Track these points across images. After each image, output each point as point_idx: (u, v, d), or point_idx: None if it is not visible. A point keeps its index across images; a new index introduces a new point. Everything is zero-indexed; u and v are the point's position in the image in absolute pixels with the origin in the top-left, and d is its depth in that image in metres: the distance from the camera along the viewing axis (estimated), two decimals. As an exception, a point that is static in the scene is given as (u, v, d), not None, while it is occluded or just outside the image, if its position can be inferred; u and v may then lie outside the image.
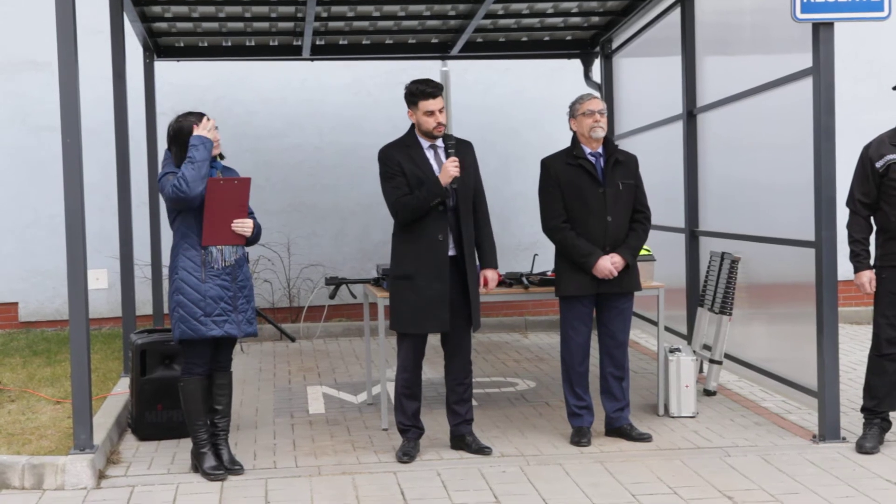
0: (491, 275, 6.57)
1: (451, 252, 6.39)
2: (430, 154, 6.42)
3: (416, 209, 6.27)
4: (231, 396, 6.38)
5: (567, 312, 6.80)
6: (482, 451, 6.54)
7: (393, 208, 6.35)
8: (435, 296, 6.30)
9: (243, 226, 6.11)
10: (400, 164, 6.34)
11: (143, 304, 10.69)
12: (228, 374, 6.34)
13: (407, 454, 6.44)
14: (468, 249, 6.42)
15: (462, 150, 6.45)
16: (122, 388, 7.98)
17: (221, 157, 6.24)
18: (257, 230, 6.24)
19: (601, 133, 6.69)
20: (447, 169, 6.27)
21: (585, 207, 6.67)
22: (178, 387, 6.24)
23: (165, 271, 10.60)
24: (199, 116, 6.13)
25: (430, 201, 6.26)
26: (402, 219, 6.35)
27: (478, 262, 6.57)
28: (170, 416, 6.97)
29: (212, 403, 6.24)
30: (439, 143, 6.44)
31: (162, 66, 10.62)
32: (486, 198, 6.65)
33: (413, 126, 6.47)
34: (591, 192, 6.66)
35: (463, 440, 6.62)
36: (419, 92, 6.35)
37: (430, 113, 6.34)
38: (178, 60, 10.77)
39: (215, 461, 6.17)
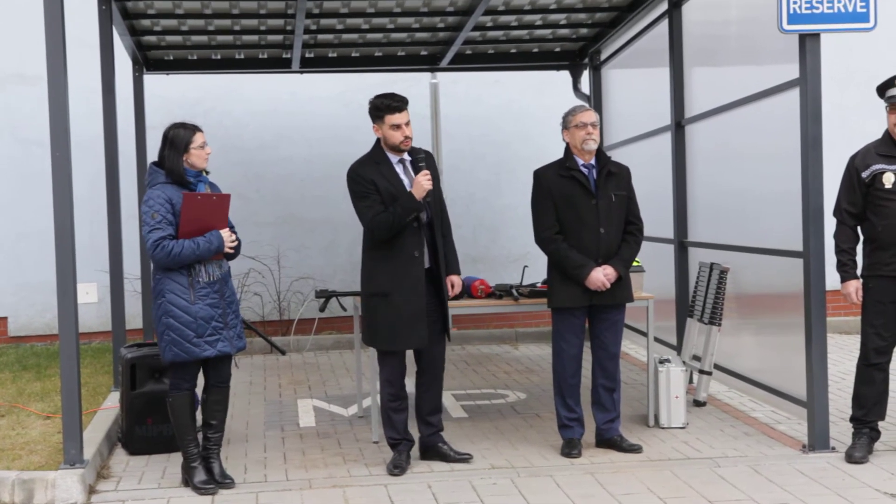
0: (457, 280, 6.61)
1: (426, 265, 6.40)
2: (399, 169, 6.39)
3: (392, 226, 6.23)
4: (226, 412, 6.37)
5: (559, 324, 6.81)
6: (461, 458, 6.56)
7: (369, 227, 6.29)
8: (413, 312, 6.29)
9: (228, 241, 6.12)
10: (373, 181, 6.29)
11: (133, 318, 10.66)
12: (226, 389, 6.33)
13: (398, 467, 6.43)
14: (442, 262, 6.45)
15: (429, 162, 6.44)
16: (112, 403, 7.97)
17: (206, 171, 6.25)
18: (237, 245, 6.23)
19: (594, 145, 6.70)
20: (420, 183, 6.24)
21: (578, 219, 6.68)
22: (167, 403, 6.23)
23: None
24: (195, 129, 6.13)
25: (406, 217, 6.23)
26: (378, 237, 6.29)
27: None
28: (160, 430, 6.96)
29: (206, 418, 6.25)
30: (406, 156, 6.42)
31: (151, 79, 10.63)
32: (447, 206, 6.68)
33: (378, 141, 6.45)
34: (584, 204, 6.67)
35: (438, 450, 6.62)
36: (384, 106, 6.32)
37: (397, 127, 6.31)
38: (167, 74, 10.78)
39: (206, 475, 6.16)
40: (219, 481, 6.19)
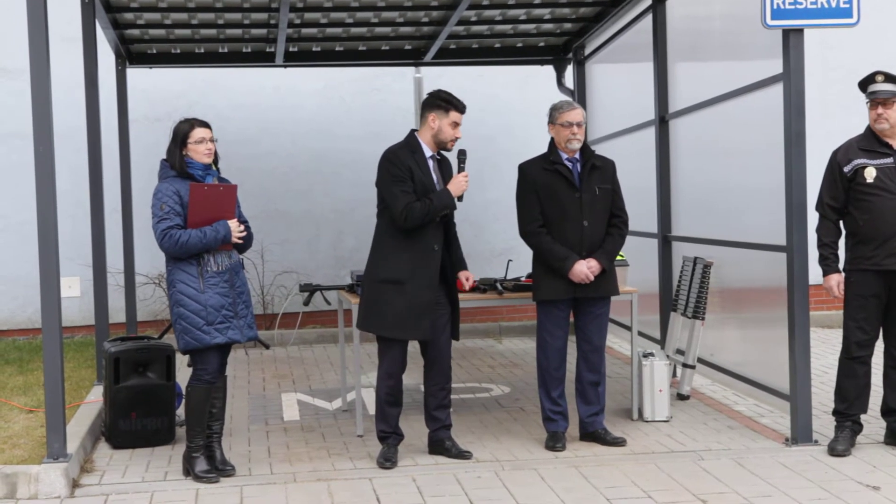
0: (469, 274, 6.67)
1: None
2: (431, 164, 6.46)
3: (425, 217, 6.28)
4: (225, 399, 6.44)
5: (544, 317, 6.82)
6: (462, 455, 6.56)
7: (402, 213, 6.26)
8: (423, 303, 6.33)
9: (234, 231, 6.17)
10: (410, 168, 6.34)
11: (116, 312, 10.62)
12: (223, 377, 6.37)
13: (389, 460, 6.44)
14: (454, 257, 6.55)
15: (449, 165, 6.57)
16: (95, 397, 7.94)
17: (216, 167, 6.32)
18: (248, 238, 6.30)
19: (577, 146, 6.72)
20: (460, 183, 6.37)
21: (562, 212, 6.69)
22: (186, 391, 6.28)
23: (138, 279, 10.64)
24: (193, 124, 6.19)
25: (441, 212, 6.33)
26: (408, 225, 6.29)
27: None
28: (144, 423, 6.95)
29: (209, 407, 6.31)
30: (437, 154, 6.51)
31: (134, 73, 10.58)
32: None
33: (413, 132, 6.51)
34: (568, 197, 6.69)
35: (442, 445, 6.63)
36: (456, 104, 6.42)
37: (456, 125, 6.42)
38: (150, 67, 10.74)
39: (207, 464, 6.22)
40: (219, 468, 6.25)
